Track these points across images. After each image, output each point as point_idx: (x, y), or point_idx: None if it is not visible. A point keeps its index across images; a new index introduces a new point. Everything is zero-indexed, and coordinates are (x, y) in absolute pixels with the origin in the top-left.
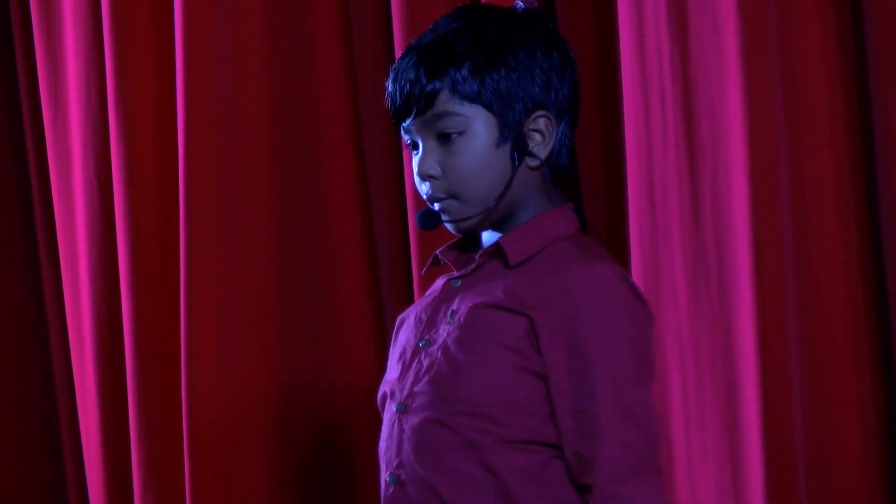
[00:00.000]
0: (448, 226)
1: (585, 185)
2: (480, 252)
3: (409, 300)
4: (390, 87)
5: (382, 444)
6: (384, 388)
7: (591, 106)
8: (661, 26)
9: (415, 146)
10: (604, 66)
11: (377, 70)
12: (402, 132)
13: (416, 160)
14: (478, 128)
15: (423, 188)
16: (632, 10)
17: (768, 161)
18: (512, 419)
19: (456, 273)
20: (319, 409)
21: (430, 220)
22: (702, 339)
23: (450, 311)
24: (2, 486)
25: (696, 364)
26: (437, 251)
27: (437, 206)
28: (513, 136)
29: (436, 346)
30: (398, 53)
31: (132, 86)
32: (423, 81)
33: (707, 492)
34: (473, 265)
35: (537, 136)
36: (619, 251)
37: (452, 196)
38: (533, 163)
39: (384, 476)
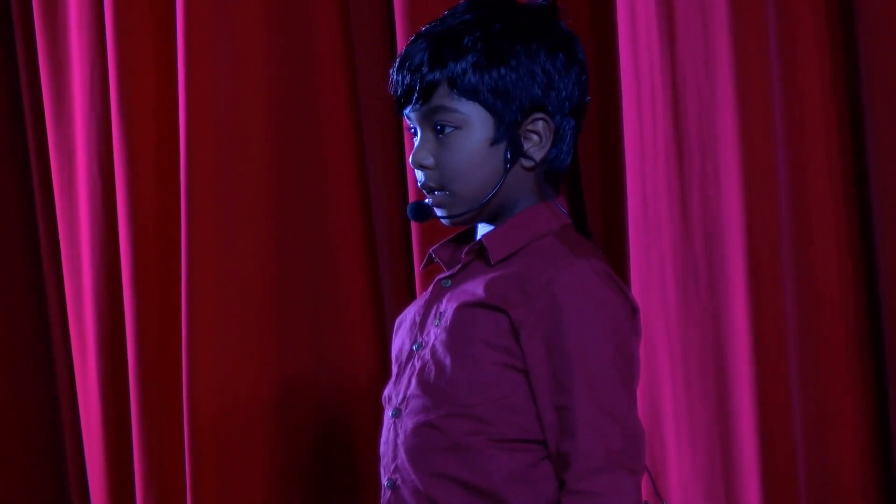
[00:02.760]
0: (442, 220)
1: (586, 184)
2: (466, 250)
3: (410, 298)
4: (393, 74)
5: (381, 449)
6: (385, 391)
7: (590, 105)
8: (651, 25)
9: (415, 132)
10: (603, 65)
11: (377, 70)
12: (405, 117)
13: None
14: (474, 125)
15: (419, 175)
16: (627, 10)
17: (763, 159)
18: (501, 417)
19: (446, 273)
20: (320, 409)
21: (420, 213)
22: (690, 337)
23: (438, 313)
24: (4, 486)
25: (685, 363)
26: (431, 249)
27: (428, 200)
28: (508, 136)
29: (426, 350)
30: (400, 53)
31: (134, 83)
32: (424, 71)
33: (697, 494)
34: (460, 265)
35: (534, 138)
36: (617, 250)
37: (444, 188)
38: (528, 164)
39: (383, 481)
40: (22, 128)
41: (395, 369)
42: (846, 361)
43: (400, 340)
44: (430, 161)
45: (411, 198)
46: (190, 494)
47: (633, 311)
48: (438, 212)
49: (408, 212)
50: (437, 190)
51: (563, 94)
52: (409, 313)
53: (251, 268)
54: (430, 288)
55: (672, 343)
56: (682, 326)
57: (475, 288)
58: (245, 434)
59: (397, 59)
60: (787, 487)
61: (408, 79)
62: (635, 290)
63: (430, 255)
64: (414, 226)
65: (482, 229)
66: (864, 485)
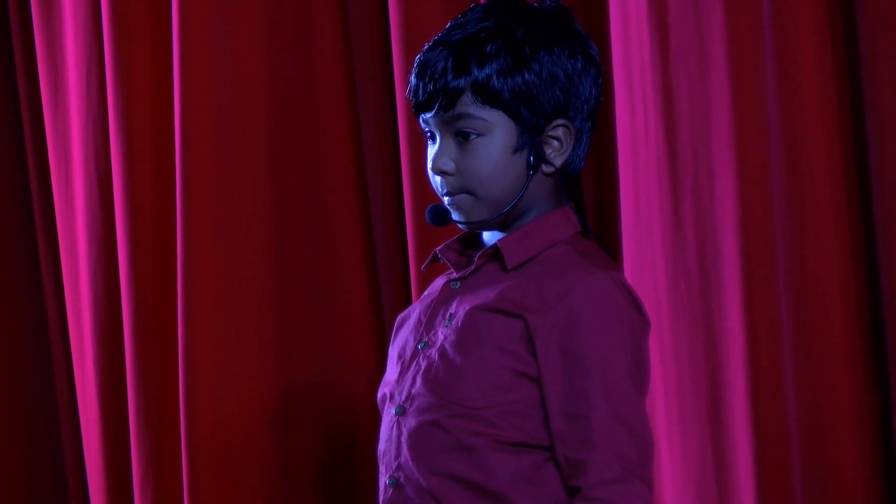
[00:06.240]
0: (460, 225)
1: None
2: (479, 253)
3: (408, 300)
4: (414, 80)
5: (381, 447)
6: (384, 388)
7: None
8: (643, 26)
9: (433, 137)
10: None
11: (376, 70)
12: (421, 122)
13: (431, 152)
14: (497, 131)
15: (437, 181)
16: (619, 10)
17: (757, 159)
18: (507, 422)
19: (455, 274)
20: (319, 409)
21: (439, 217)
22: (682, 338)
23: (448, 314)
24: (2, 486)
25: (678, 364)
26: (437, 249)
27: (447, 200)
28: (531, 143)
29: (434, 349)
30: (396, 53)
31: (132, 84)
32: (448, 78)
33: (689, 495)
34: (472, 267)
35: (555, 143)
36: (610, 250)
37: (468, 192)
38: (548, 169)
39: (383, 478)
40: (20, 127)
41: (397, 367)
42: (843, 363)
43: (403, 338)
44: (451, 167)
45: (408, 198)
46: (187, 495)
47: (647, 324)
48: (457, 216)
49: (426, 215)
50: (460, 194)
51: (583, 97)
52: (414, 312)
53: (249, 269)
54: (439, 289)
55: (664, 343)
56: (674, 327)
57: (489, 292)
58: (244, 435)
59: (417, 66)
60: (782, 490)
61: (431, 86)
62: None
63: (436, 255)
64: (411, 226)
65: (487, 235)
66: (862, 488)
